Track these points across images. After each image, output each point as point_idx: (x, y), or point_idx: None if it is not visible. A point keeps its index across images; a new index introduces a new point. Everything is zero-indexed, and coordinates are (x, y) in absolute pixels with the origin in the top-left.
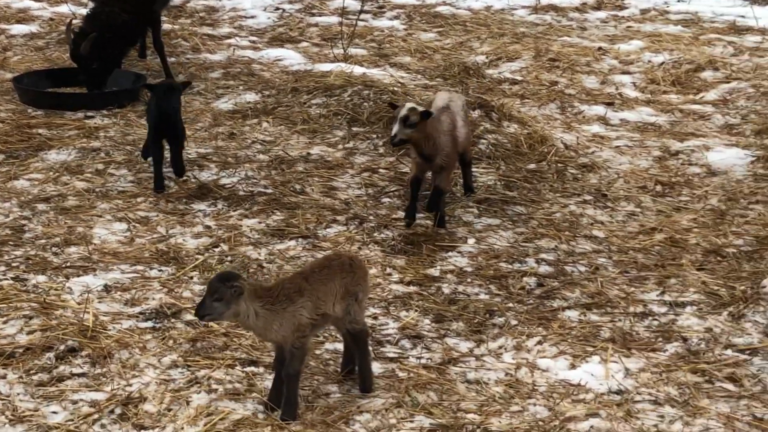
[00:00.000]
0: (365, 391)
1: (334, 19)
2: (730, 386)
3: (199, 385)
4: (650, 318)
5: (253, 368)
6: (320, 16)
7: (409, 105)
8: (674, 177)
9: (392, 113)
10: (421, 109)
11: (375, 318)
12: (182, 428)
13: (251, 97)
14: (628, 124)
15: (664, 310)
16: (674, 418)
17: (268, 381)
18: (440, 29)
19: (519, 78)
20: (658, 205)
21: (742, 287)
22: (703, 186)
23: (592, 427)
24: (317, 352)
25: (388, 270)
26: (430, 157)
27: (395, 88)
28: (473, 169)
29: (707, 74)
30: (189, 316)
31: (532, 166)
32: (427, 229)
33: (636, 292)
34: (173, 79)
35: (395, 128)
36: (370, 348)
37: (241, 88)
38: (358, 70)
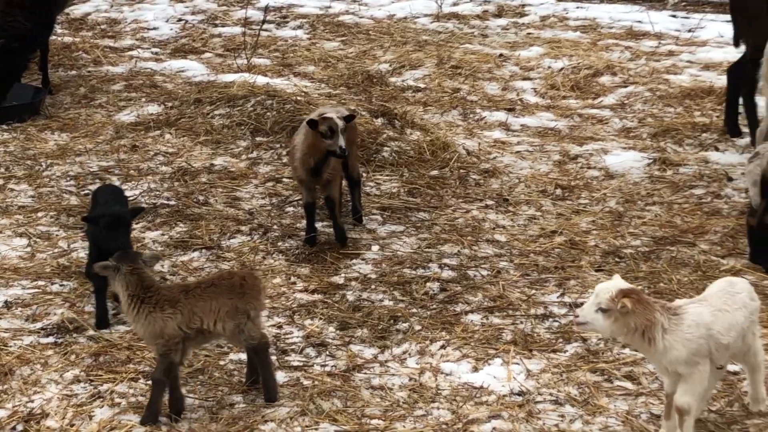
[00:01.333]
0: (269, 400)
1: (238, 30)
2: (628, 384)
3: (101, 399)
4: (551, 319)
5: None
6: (223, 26)
7: (340, 113)
8: (573, 180)
9: (325, 126)
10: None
11: (279, 327)
12: None
13: (154, 108)
14: (528, 130)
15: (564, 311)
16: (574, 417)
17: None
18: (343, 38)
19: (422, 85)
20: (558, 208)
21: (640, 287)
22: (601, 189)
23: (494, 428)
24: (221, 363)
25: (293, 279)
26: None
27: (299, 98)
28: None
29: (605, 79)
30: (91, 331)
31: (434, 172)
32: (330, 237)
33: (537, 294)
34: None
35: (342, 140)
36: (273, 358)
37: (143, 99)
38: (261, 80)
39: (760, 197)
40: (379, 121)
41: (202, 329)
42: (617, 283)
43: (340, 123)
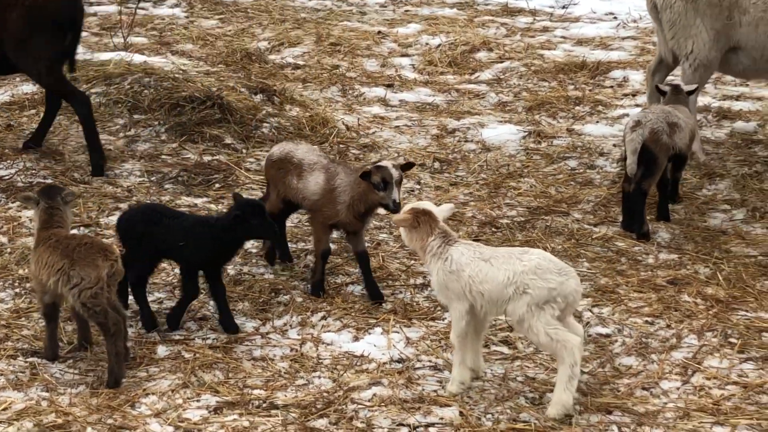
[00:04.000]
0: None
1: (113, 8)
2: (504, 349)
3: None
4: (429, 289)
5: (35, 358)
6: (99, 5)
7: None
8: (451, 154)
9: (378, 177)
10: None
11: (160, 302)
12: None
13: (28, 87)
14: (407, 105)
15: None
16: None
17: (52, 368)
18: (222, 16)
19: (301, 63)
20: (436, 181)
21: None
22: (478, 161)
23: (374, 395)
24: (101, 338)
25: None
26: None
27: (176, 75)
28: None
29: (482, 55)
30: None
31: None
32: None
33: (416, 265)
34: None
35: (396, 193)
36: (155, 333)
37: (17, 79)
38: (138, 58)
39: (637, 165)
40: (258, 98)
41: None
42: (424, 203)
43: (395, 173)
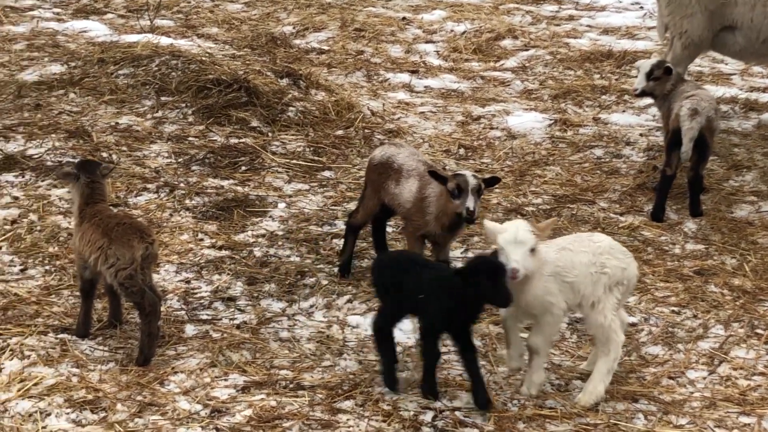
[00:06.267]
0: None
1: None
2: None
3: (11, 352)
4: None
5: (66, 335)
6: None
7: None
8: (476, 141)
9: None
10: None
11: (188, 282)
12: None
13: (57, 68)
14: (432, 91)
15: None
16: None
17: (82, 345)
18: (247, 1)
19: (326, 48)
20: (461, 167)
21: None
22: (503, 148)
23: (401, 378)
24: (131, 316)
25: (200, 236)
26: None
27: (203, 58)
28: None
29: (507, 42)
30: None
31: (339, 132)
32: (237, 195)
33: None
34: None
35: (471, 201)
36: (182, 312)
37: (46, 59)
38: (165, 41)
39: (691, 152)
40: (283, 82)
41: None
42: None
43: (472, 181)
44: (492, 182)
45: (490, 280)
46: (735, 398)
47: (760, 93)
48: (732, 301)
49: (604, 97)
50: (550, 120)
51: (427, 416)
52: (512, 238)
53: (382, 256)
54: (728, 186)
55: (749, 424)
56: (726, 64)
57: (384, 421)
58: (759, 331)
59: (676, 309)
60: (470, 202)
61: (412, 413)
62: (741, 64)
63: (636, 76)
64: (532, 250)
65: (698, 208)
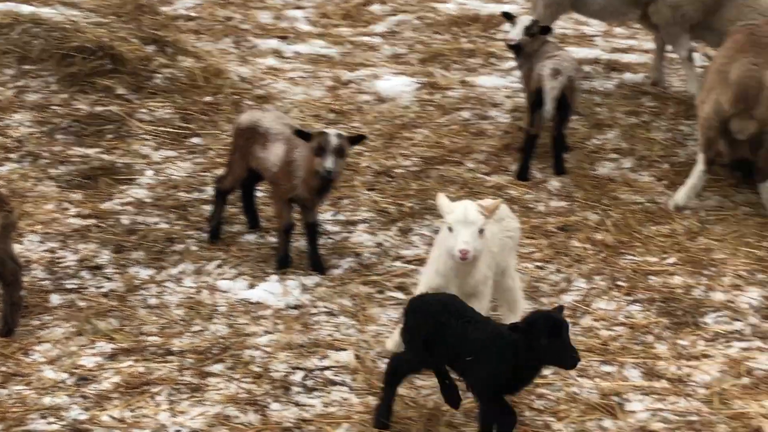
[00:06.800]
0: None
1: None
2: (399, 294)
3: None
4: (326, 237)
5: None
6: None
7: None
8: (346, 105)
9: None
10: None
11: (52, 251)
12: None
13: None
14: (301, 57)
15: (338, 228)
16: (348, 326)
17: None
18: None
19: (194, 14)
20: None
21: (410, 204)
22: (372, 112)
23: (271, 339)
24: None
25: (65, 205)
26: None
27: (66, 26)
28: None
29: (375, 8)
30: None
31: (208, 98)
32: (103, 163)
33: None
34: None
35: (330, 161)
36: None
37: None
38: (26, 8)
39: (554, 112)
40: (150, 48)
41: None
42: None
43: (334, 141)
44: (356, 140)
45: (551, 339)
46: (597, 348)
47: (622, 54)
48: (594, 255)
49: (470, 60)
50: (419, 84)
51: (297, 376)
52: (462, 218)
53: (423, 297)
54: (591, 144)
55: (610, 373)
56: (590, 26)
57: (254, 383)
58: (620, 283)
59: (540, 264)
60: (329, 162)
61: (282, 374)
62: (603, 25)
63: (509, 31)
64: (481, 231)
65: (562, 166)
